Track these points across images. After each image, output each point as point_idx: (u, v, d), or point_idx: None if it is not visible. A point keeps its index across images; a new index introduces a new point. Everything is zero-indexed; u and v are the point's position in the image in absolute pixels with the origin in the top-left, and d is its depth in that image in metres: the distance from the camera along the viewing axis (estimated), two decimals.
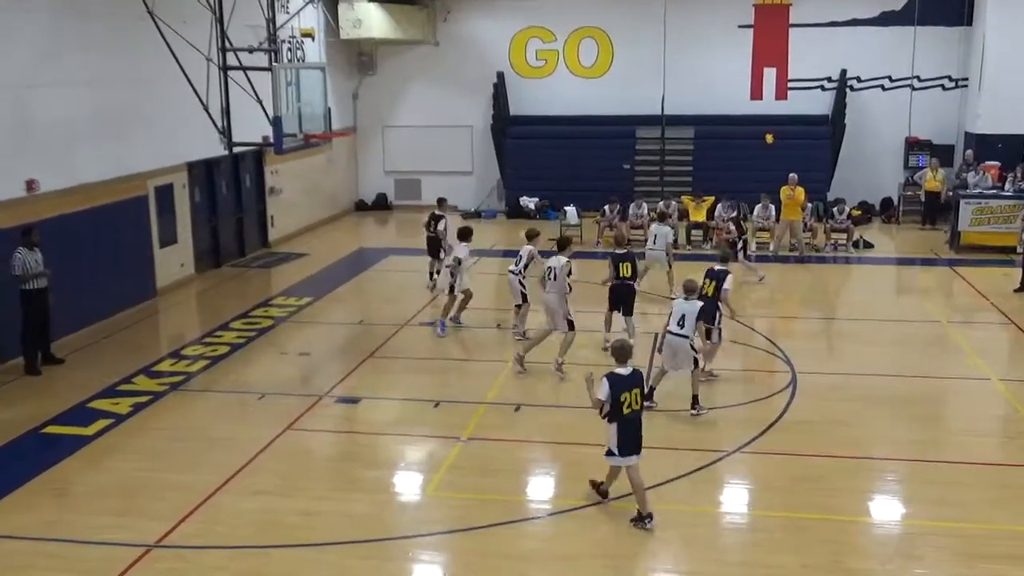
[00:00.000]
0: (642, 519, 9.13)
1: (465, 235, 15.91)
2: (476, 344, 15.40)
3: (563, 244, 13.98)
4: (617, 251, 14.48)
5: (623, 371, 9.17)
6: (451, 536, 9.24)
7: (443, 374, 13.96)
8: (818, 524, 9.31)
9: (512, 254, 17.60)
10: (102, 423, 11.96)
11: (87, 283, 15.56)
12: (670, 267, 17.60)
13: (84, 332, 15.61)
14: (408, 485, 10.51)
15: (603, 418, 9.17)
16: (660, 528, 9.26)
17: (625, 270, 14.04)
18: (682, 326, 11.71)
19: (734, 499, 10.17)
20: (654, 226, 17.79)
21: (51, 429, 11.90)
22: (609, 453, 9.22)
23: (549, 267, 13.52)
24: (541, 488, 10.45)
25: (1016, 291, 17.77)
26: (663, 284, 17.58)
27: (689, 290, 11.93)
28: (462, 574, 8.77)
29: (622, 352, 9.28)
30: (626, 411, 9.06)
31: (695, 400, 11.88)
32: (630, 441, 9.17)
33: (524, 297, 14.99)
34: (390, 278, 20.31)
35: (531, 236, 15.18)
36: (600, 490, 9.65)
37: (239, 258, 21.57)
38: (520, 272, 14.92)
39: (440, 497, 10.09)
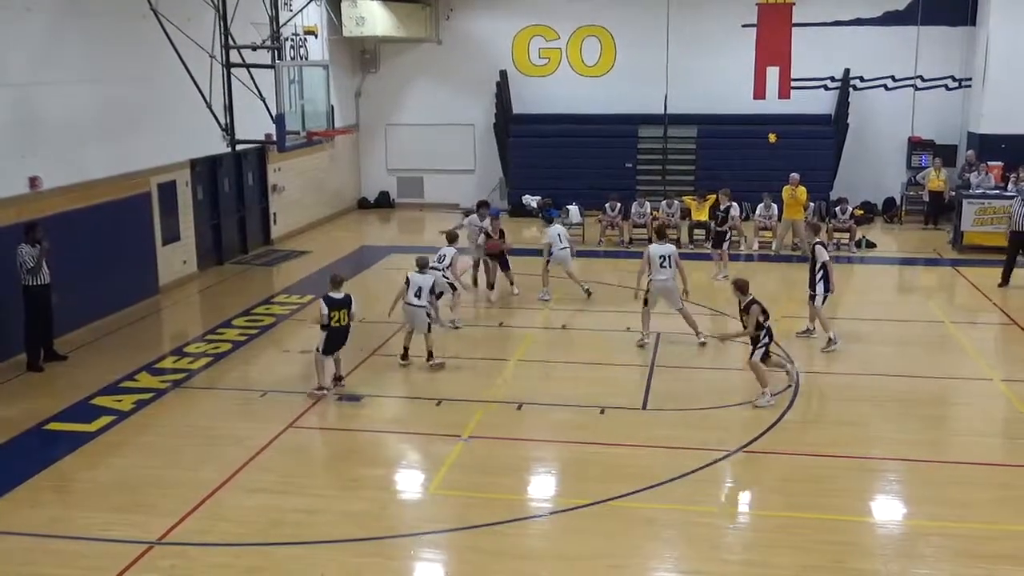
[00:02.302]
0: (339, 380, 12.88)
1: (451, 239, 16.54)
2: (478, 342, 15.40)
3: (452, 238, 16.37)
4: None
5: (336, 295, 12.50)
6: (452, 534, 9.25)
7: (445, 372, 13.94)
8: (820, 524, 9.31)
9: (514, 252, 17.65)
10: (105, 420, 11.97)
11: (90, 280, 15.57)
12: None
13: (87, 329, 15.62)
14: (410, 483, 10.52)
15: (321, 328, 12.41)
16: (662, 527, 9.32)
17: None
18: (419, 297, 13.55)
19: (736, 498, 10.19)
20: (557, 226, 17.78)
21: (53, 426, 11.92)
22: (318, 351, 12.55)
23: (443, 254, 15.73)
24: (543, 487, 10.46)
25: (999, 285, 18.14)
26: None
27: (422, 264, 13.85)
28: (463, 572, 8.77)
29: (338, 283, 12.63)
30: (334, 324, 12.43)
31: (431, 354, 13.64)
32: (334, 344, 12.60)
33: (453, 287, 15.62)
34: (392, 276, 20.25)
35: (452, 239, 16.33)
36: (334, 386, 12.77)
37: (241, 255, 21.58)
38: (444, 269, 15.51)
39: (442, 495, 10.10)
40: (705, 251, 20.46)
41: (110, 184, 16.45)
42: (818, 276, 14.57)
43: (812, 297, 14.79)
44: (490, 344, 15.31)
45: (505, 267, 17.58)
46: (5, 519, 9.49)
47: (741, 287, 12.60)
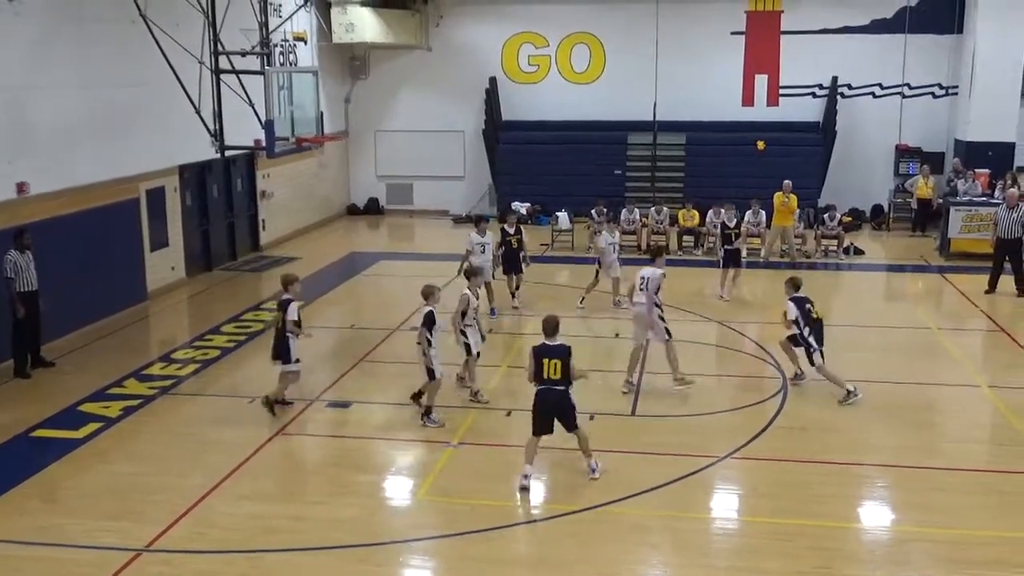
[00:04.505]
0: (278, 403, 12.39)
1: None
2: None
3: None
4: None
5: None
6: (442, 541, 9.24)
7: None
8: (807, 530, 9.32)
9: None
10: (92, 426, 11.93)
11: (78, 286, 15.51)
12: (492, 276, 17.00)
13: (74, 335, 15.56)
14: (399, 490, 10.51)
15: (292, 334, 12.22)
16: (651, 533, 9.33)
17: None
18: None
19: (724, 505, 10.20)
20: (474, 234, 16.64)
21: (41, 432, 11.86)
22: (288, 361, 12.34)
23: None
24: (532, 493, 10.43)
25: (986, 292, 18.25)
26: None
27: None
28: None
29: (288, 278, 12.58)
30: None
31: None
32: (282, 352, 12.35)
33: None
34: (381, 282, 20.30)
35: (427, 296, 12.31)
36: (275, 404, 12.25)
37: (230, 262, 21.54)
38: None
39: (431, 502, 10.09)
40: (694, 258, 20.47)
41: (99, 189, 16.40)
42: (805, 332, 12.84)
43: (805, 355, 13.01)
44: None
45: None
46: None
47: (548, 326, 10.68)
